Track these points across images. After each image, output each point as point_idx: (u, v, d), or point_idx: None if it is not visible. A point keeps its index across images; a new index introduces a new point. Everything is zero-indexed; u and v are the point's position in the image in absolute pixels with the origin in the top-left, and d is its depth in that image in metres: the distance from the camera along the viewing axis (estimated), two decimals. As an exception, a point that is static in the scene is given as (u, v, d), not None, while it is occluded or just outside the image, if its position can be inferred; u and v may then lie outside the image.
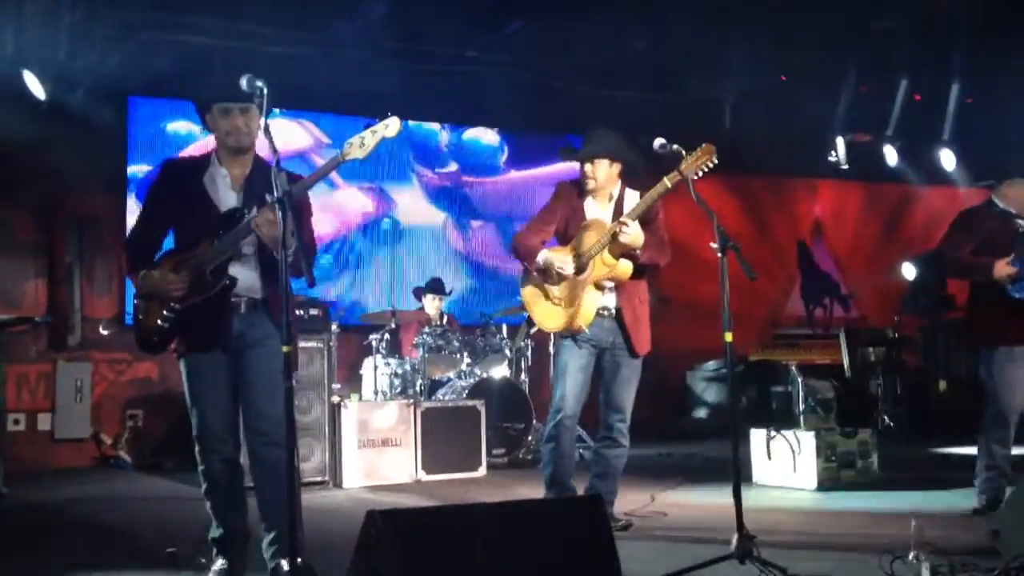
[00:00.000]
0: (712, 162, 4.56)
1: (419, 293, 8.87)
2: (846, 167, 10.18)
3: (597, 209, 5.14)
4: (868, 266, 12.09)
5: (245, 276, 3.86)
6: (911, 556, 3.61)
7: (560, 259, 4.99)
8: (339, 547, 3.51)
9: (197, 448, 3.95)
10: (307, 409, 6.82)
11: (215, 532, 3.96)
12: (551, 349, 8.84)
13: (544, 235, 5.15)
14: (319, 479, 6.82)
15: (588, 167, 5.09)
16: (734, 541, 3.91)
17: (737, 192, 10.90)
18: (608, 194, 5.14)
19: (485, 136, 10.44)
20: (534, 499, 3.26)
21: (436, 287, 8.77)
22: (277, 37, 8.28)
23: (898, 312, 10.89)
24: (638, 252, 4.88)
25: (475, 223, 10.32)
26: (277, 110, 8.91)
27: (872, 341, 10.47)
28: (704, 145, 4.57)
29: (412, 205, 10.02)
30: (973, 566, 3.90)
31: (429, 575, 2.67)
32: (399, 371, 7.90)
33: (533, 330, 8.44)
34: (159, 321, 3.86)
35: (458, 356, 8.11)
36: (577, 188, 5.18)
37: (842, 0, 8.21)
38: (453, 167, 10.24)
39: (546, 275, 5.04)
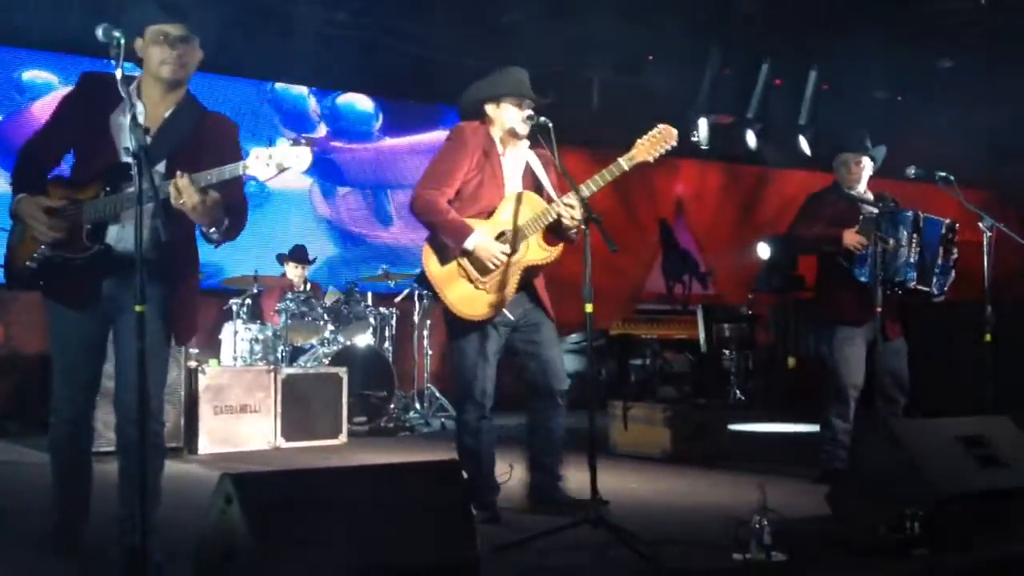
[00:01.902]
0: (670, 145, 4.39)
1: (282, 259, 8.74)
2: (707, 148, 10.44)
3: (514, 169, 4.63)
4: (726, 245, 12.44)
5: (131, 234, 3.34)
6: (754, 520, 3.75)
7: (497, 249, 4.42)
8: (189, 513, 3.43)
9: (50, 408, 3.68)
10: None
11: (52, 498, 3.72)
12: (415, 319, 8.90)
13: (450, 194, 4.50)
14: (172, 445, 6.65)
15: (524, 111, 4.49)
16: (588, 507, 4.01)
17: (600, 167, 11.02)
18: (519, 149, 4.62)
19: (360, 102, 10.30)
20: (390, 464, 3.27)
21: (299, 255, 8.66)
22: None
23: (752, 290, 11.27)
24: (573, 235, 4.48)
25: (342, 189, 10.20)
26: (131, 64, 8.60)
27: (727, 318, 10.83)
28: (662, 128, 4.41)
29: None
30: (812, 531, 4.11)
31: (281, 539, 2.65)
32: (260, 337, 7.78)
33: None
34: (27, 261, 3.53)
35: (321, 323, 8.03)
36: (484, 138, 4.56)
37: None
38: (322, 132, 10.08)
39: (472, 258, 4.45)
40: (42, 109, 8.60)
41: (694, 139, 10.30)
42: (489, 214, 4.53)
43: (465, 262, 4.45)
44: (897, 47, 9.46)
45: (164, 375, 3.70)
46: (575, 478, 4.64)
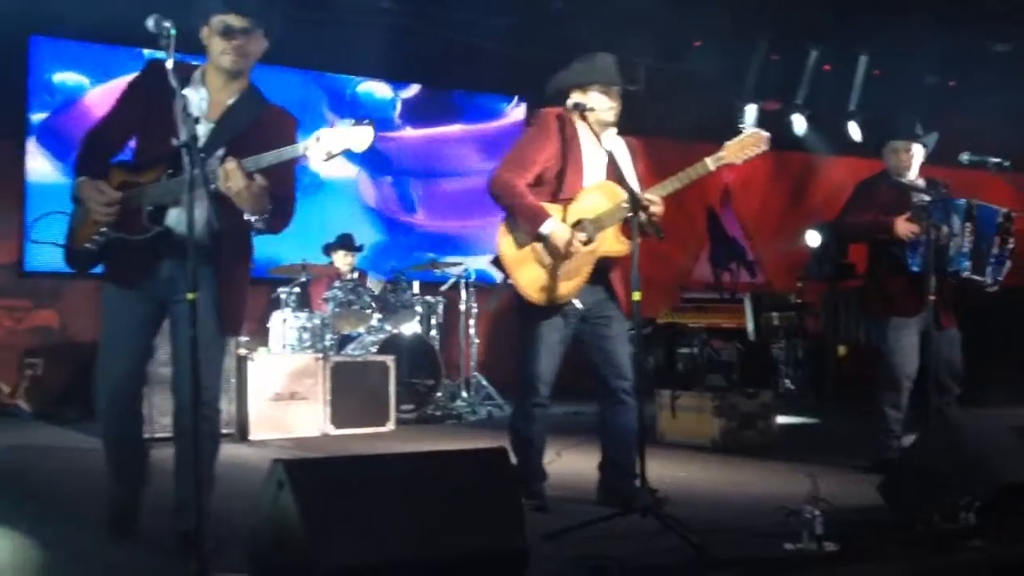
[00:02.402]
0: (761, 150, 4.31)
1: (329, 248, 8.78)
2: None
3: (596, 158, 4.54)
4: (774, 233, 12.34)
5: (198, 213, 3.37)
6: (806, 510, 3.73)
7: (572, 237, 4.33)
8: (241, 499, 3.48)
9: (96, 393, 3.70)
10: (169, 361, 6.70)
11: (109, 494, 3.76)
12: (461, 307, 8.91)
13: (528, 179, 4.43)
14: (224, 432, 6.72)
15: (612, 100, 4.45)
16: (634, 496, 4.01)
17: (648, 156, 10.94)
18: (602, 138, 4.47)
19: (405, 92, 10.33)
20: (439, 450, 3.29)
21: (347, 243, 8.70)
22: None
23: (801, 278, 11.15)
24: (647, 229, 4.28)
25: (389, 178, 10.23)
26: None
27: (775, 306, 10.71)
28: (754, 131, 4.34)
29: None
30: (864, 521, 4.07)
31: (333, 525, 2.67)
32: (308, 325, 7.83)
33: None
34: (87, 244, 3.57)
35: (368, 311, 8.07)
36: (566, 125, 4.49)
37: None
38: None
39: (545, 243, 4.36)
40: (94, 99, 8.73)
41: (741, 126, 10.19)
42: (569, 202, 4.45)
43: (539, 247, 4.37)
44: (949, 31, 9.29)
45: (220, 363, 3.71)
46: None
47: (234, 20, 3.48)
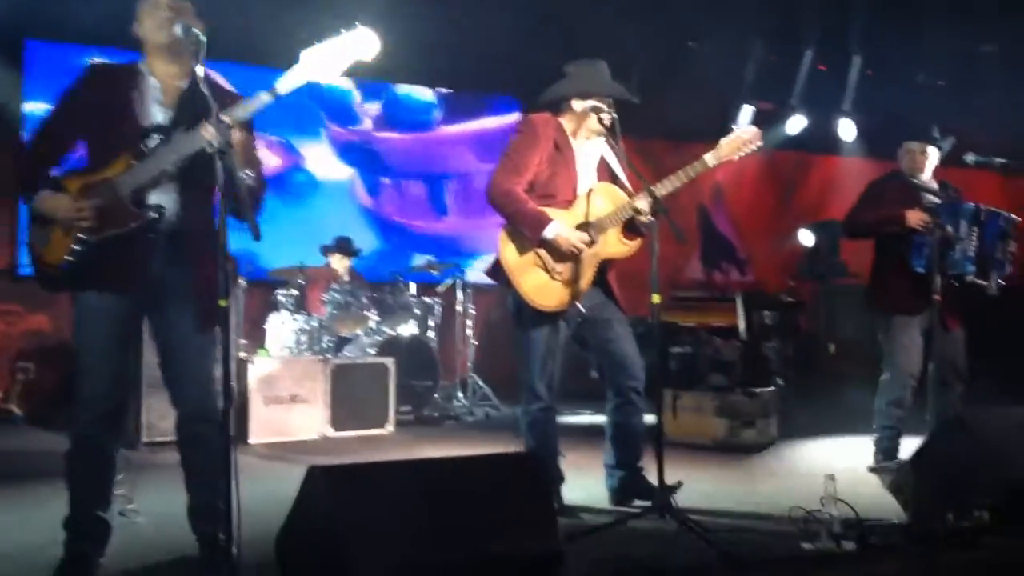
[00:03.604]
0: (756, 146, 4.41)
1: (326, 251, 8.76)
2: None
3: (587, 161, 4.59)
4: (765, 231, 12.38)
5: (166, 204, 3.35)
6: (824, 511, 3.75)
7: (577, 238, 4.38)
8: (249, 503, 3.43)
9: (75, 409, 3.45)
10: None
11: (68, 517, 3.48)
12: (458, 308, 8.91)
13: (524, 184, 4.46)
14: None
15: (607, 110, 4.44)
16: (654, 496, 4.03)
17: (642, 154, 11.01)
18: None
19: (400, 91, 10.30)
20: (473, 455, 3.30)
21: (344, 246, 8.67)
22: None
23: (794, 277, 11.21)
24: (645, 229, 4.40)
25: (384, 180, 10.21)
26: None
27: (767, 305, 10.75)
28: (748, 128, 4.43)
29: (320, 160, 9.86)
30: (877, 520, 4.11)
31: (371, 529, 2.67)
32: (306, 327, 7.81)
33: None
34: (67, 256, 3.31)
35: (367, 313, 8.06)
36: (555, 131, 4.54)
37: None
38: (366, 124, 10.10)
39: (550, 248, 4.40)
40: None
41: (735, 126, 10.24)
42: (565, 204, 4.49)
43: (543, 252, 4.40)
44: (940, 33, 9.37)
45: (214, 365, 3.55)
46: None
47: None
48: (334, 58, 3.17)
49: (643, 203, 4.31)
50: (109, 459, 3.54)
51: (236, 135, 3.18)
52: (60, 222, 3.32)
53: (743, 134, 4.43)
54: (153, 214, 3.32)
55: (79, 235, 3.30)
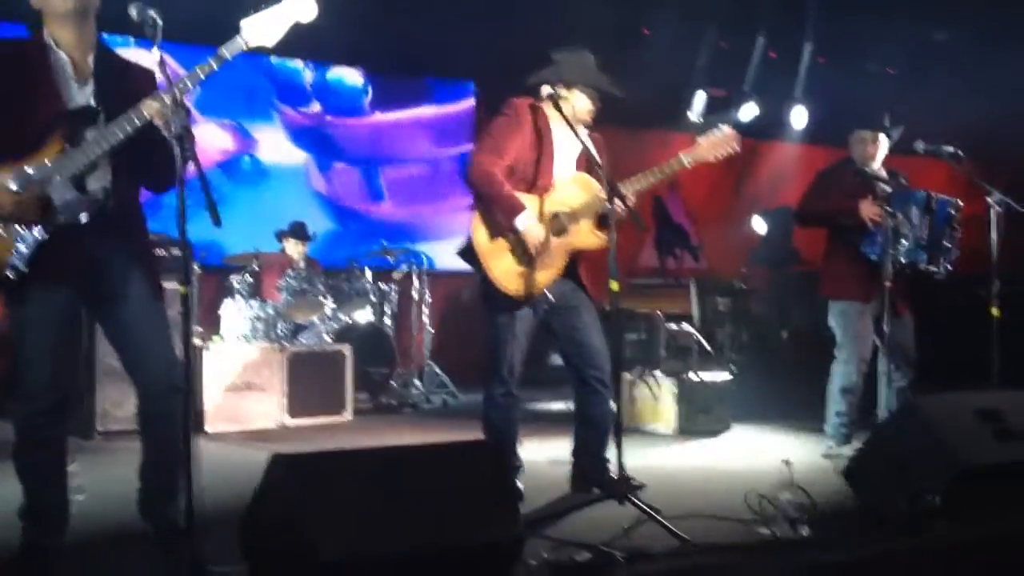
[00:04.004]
0: (733, 149, 4.43)
1: (281, 236, 8.70)
2: (700, 121, 10.43)
3: (568, 150, 4.56)
4: (718, 218, 12.47)
5: (102, 185, 3.26)
6: (782, 496, 3.81)
7: (542, 237, 4.36)
8: (207, 491, 3.40)
9: (18, 402, 3.37)
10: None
11: (24, 505, 3.44)
12: (414, 295, 8.89)
13: (503, 165, 4.40)
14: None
15: (592, 101, 4.51)
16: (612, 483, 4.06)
17: (598, 144, 11.04)
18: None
19: (349, 76, 10.24)
20: (434, 443, 3.30)
21: (299, 231, 8.61)
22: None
23: (747, 264, 11.32)
24: (632, 222, 4.35)
25: (338, 164, 10.15)
26: (132, 39, 8.48)
27: (720, 291, 10.85)
28: (726, 129, 4.44)
29: (274, 145, 9.77)
30: (833, 505, 4.17)
31: (335, 517, 2.68)
32: (261, 315, 7.75)
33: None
34: (12, 253, 3.19)
35: (322, 300, 8.02)
36: (538, 116, 4.50)
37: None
38: (316, 107, 10.02)
39: (520, 235, 4.36)
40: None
41: (690, 113, 10.31)
42: (541, 191, 4.47)
43: (514, 238, 4.38)
44: (892, 21, 9.49)
45: (168, 330, 3.54)
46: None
47: None
48: (274, 24, 3.16)
49: (625, 200, 4.25)
50: (58, 449, 3.48)
51: (153, 106, 3.14)
52: None
53: (721, 136, 4.44)
54: (100, 197, 3.25)
55: (19, 229, 3.20)
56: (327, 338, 7.82)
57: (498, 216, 4.39)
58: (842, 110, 8.11)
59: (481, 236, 4.44)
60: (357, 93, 10.26)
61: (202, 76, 3.22)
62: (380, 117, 10.33)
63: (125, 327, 3.45)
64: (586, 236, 4.49)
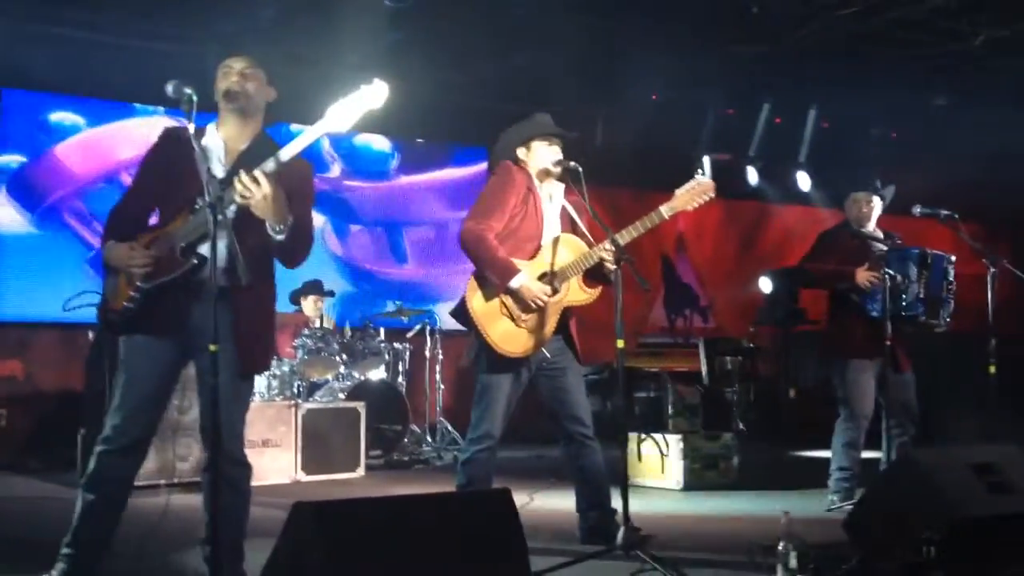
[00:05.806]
0: (709, 196, 4.59)
1: (297, 296, 8.87)
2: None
3: (552, 209, 4.76)
4: (726, 279, 12.63)
5: (222, 253, 3.47)
6: (780, 547, 3.92)
7: (540, 290, 4.53)
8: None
9: (98, 442, 3.65)
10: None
11: (69, 536, 3.67)
12: (427, 353, 9.06)
13: (497, 229, 4.58)
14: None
15: (553, 149, 4.71)
16: (620, 535, 4.19)
17: (605, 205, 11.26)
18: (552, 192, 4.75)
19: (376, 142, 10.51)
20: (448, 492, 3.45)
21: (317, 288, 8.81)
22: (161, 32, 8.21)
23: (754, 323, 11.47)
24: (611, 277, 4.49)
25: (354, 227, 10.38)
26: (163, 108, 8.79)
27: (728, 350, 10.99)
28: (701, 179, 4.61)
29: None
30: (832, 558, 4.28)
31: (356, 565, 2.81)
32: (276, 372, 7.91)
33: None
34: (125, 303, 3.56)
35: (336, 358, 8.19)
36: (526, 178, 4.70)
37: (710, 27, 8.66)
38: (335, 172, 10.27)
39: (515, 296, 4.53)
40: (65, 151, 8.80)
41: (698, 175, 10.51)
42: (531, 252, 4.65)
43: (508, 300, 4.53)
44: (894, 86, 9.73)
45: (243, 414, 3.83)
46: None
47: (234, 62, 3.67)
48: (352, 110, 3.35)
49: (607, 252, 4.48)
50: (118, 489, 3.72)
51: (266, 189, 3.35)
52: (122, 271, 3.58)
53: (697, 185, 4.62)
54: (194, 261, 3.51)
55: (137, 283, 3.54)
56: (341, 396, 7.97)
57: (493, 279, 4.53)
58: (846, 173, 8.30)
59: (477, 301, 4.59)
60: (384, 158, 10.54)
61: (289, 156, 3.43)
62: (404, 180, 10.59)
63: (205, 398, 3.68)
64: (576, 293, 4.66)
